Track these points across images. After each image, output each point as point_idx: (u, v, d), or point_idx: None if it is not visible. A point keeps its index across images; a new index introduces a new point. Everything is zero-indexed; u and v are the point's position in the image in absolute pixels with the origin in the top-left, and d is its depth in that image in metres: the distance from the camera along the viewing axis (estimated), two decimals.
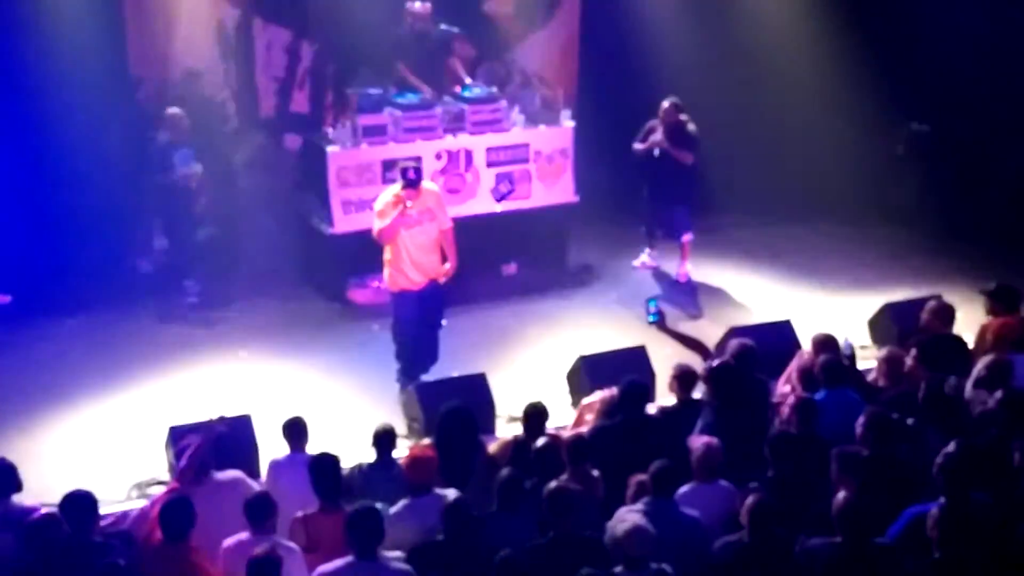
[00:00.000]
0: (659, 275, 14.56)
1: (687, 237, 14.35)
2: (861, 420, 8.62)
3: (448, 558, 7.49)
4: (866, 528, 7.43)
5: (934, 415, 8.94)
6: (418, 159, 12.35)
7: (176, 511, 7.85)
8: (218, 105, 14.59)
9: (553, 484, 7.97)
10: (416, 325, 11.58)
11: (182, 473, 8.59)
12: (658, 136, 13.92)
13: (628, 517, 7.60)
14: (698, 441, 8.65)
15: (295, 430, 9.15)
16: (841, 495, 7.54)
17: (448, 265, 11.54)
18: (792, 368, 10.33)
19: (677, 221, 14.30)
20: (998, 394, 9.00)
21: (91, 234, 13.66)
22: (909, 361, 9.99)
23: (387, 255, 11.38)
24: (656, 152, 13.92)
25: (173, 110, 13.37)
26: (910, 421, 8.97)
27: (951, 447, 7.97)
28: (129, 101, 13.98)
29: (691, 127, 13.94)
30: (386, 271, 11.48)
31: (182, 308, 13.35)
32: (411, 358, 11.66)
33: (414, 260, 11.32)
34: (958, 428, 8.72)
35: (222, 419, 9.11)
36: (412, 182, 11.11)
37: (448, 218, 11.61)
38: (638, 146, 14.10)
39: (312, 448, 9.08)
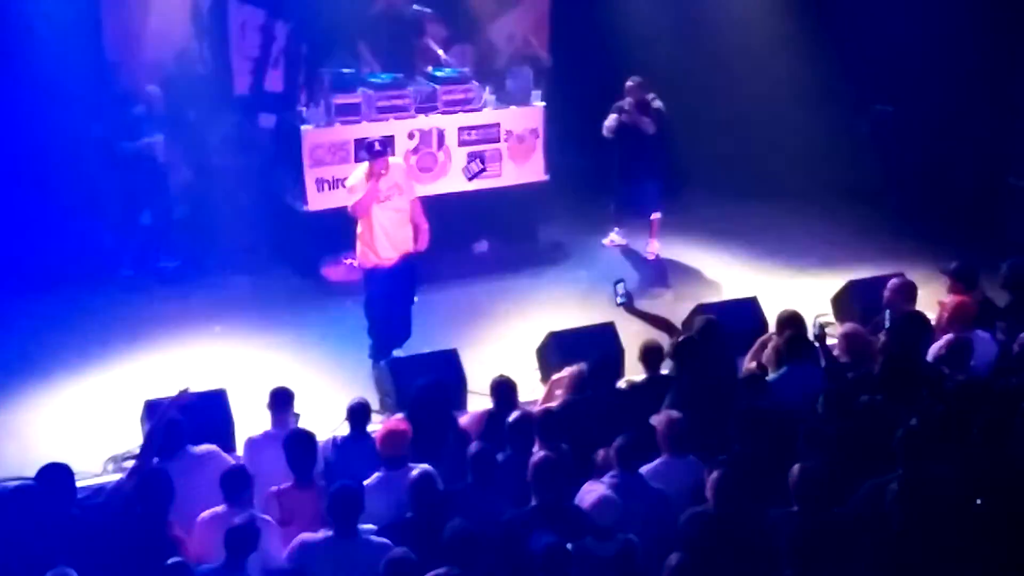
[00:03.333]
0: (628, 253, 14.73)
1: (656, 215, 14.53)
2: (820, 398, 8.75)
3: (420, 535, 7.56)
4: (822, 498, 7.57)
5: (892, 389, 9.10)
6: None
7: (154, 485, 7.88)
8: (194, 84, 14.66)
9: (541, 454, 8.11)
10: (388, 302, 11.70)
11: (139, 460, 8.65)
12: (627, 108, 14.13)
13: (594, 489, 7.76)
14: (660, 416, 8.78)
15: (280, 399, 9.20)
16: (797, 466, 7.67)
17: (421, 232, 11.68)
18: (758, 345, 10.50)
19: (647, 198, 14.47)
20: (959, 377, 9.19)
21: (68, 214, 13.74)
22: (882, 338, 10.14)
23: (360, 232, 11.53)
24: (624, 117, 14.08)
25: (152, 87, 13.54)
26: (878, 397, 9.12)
27: (912, 421, 8.18)
28: (104, 84, 14.02)
29: (657, 104, 14.14)
30: (358, 248, 11.61)
31: (161, 273, 13.59)
32: (383, 334, 11.77)
33: (387, 235, 11.46)
34: (916, 401, 8.92)
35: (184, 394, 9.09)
36: (377, 153, 11.29)
37: (414, 189, 11.80)
38: (608, 123, 14.26)
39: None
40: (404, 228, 11.60)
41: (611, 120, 14.24)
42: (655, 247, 14.63)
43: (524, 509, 7.87)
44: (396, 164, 11.79)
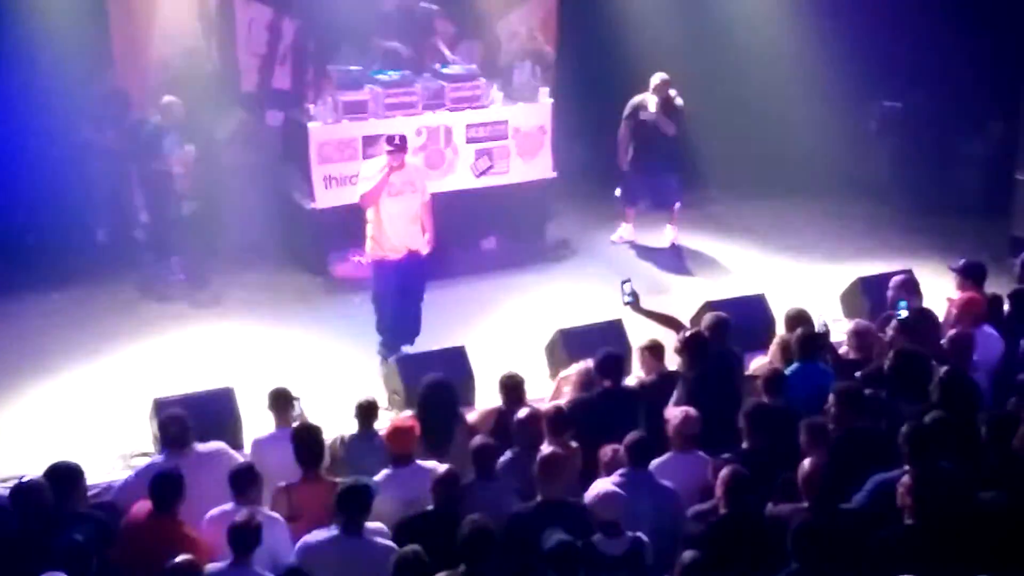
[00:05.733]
0: (636, 249, 14.71)
1: (678, 205, 14.58)
2: (831, 396, 8.74)
3: (436, 528, 7.57)
4: (831, 493, 7.59)
5: (901, 385, 9.10)
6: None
7: (166, 483, 7.90)
8: (200, 82, 14.68)
9: (547, 450, 8.14)
10: (396, 296, 11.70)
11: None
12: (654, 110, 14.14)
13: (603, 486, 7.78)
14: (676, 411, 8.80)
15: (279, 400, 9.23)
16: (807, 461, 7.69)
17: (427, 235, 11.71)
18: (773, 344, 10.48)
19: (669, 189, 14.53)
20: (942, 370, 9.18)
21: (74, 209, 13.79)
22: (891, 332, 10.14)
23: (369, 224, 11.55)
24: (643, 115, 14.16)
25: (169, 98, 13.49)
26: (883, 394, 9.13)
27: (916, 416, 8.18)
28: (108, 82, 14.07)
29: (678, 101, 14.19)
30: (368, 240, 11.64)
31: (167, 285, 13.46)
32: (391, 329, 11.79)
33: (394, 228, 11.48)
34: (924, 398, 8.92)
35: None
36: (398, 147, 11.33)
37: (428, 191, 11.80)
38: (621, 134, 14.37)
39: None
40: (413, 225, 11.62)
41: (622, 128, 14.32)
42: (673, 234, 14.66)
43: (528, 505, 7.90)
44: (412, 163, 11.88)
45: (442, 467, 8.25)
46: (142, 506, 7.99)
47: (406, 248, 11.58)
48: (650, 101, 14.26)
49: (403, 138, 11.58)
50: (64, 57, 13.15)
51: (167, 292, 13.32)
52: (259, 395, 9.56)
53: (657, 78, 14.22)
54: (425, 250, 11.71)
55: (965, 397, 8.91)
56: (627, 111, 14.43)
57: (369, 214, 11.52)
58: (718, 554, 7.31)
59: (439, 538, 7.32)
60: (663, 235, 14.77)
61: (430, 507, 7.91)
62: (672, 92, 14.24)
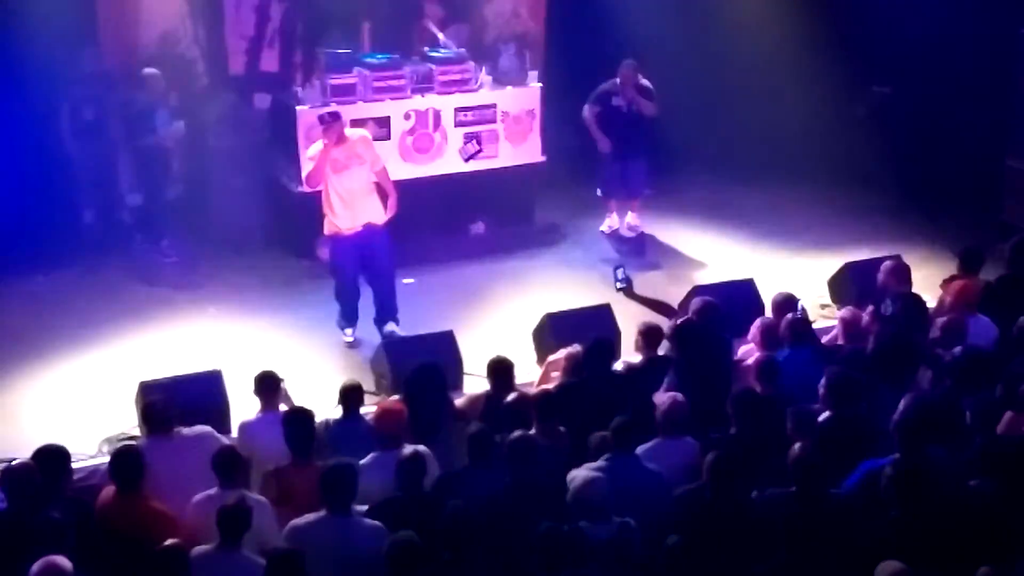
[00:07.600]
0: (625, 236, 14.68)
1: (645, 191, 14.52)
2: (823, 382, 8.73)
3: (406, 513, 7.57)
4: (820, 479, 7.56)
5: (883, 370, 9.09)
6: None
7: (124, 460, 7.92)
8: (189, 64, 14.62)
9: (517, 433, 8.12)
10: (352, 271, 11.74)
11: None
12: (629, 94, 14.06)
13: (582, 473, 7.75)
14: (664, 396, 8.79)
15: (266, 384, 9.22)
16: (797, 446, 7.68)
17: (390, 199, 11.69)
18: (755, 328, 10.48)
19: (637, 177, 14.43)
20: (956, 350, 9.17)
21: (60, 192, 13.73)
22: (866, 318, 10.12)
23: (323, 200, 11.58)
24: (624, 108, 14.06)
25: (150, 70, 13.46)
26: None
27: (906, 403, 8.17)
28: (93, 62, 13.98)
29: (645, 82, 14.09)
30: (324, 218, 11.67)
31: (159, 267, 13.45)
32: (347, 301, 11.84)
33: (345, 203, 11.50)
34: (908, 382, 8.91)
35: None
36: (328, 124, 11.35)
37: (380, 158, 11.81)
38: (586, 115, 14.21)
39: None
40: (367, 198, 11.62)
41: (588, 113, 14.19)
42: (635, 220, 14.59)
43: (499, 488, 7.88)
44: (357, 134, 11.87)
45: (421, 448, 8.24)
46: (109, 489, 8.01)
47: (361, 223, 11.57)
48: (620, 90, 14.14)
49: (333, 114, 11.56)
50: (49, 37, 13.06)
51: (156, 275, 13.28)
52: (246, 378, 9.53)
53: (625, 67, 14.01)
54: (385, 218, 11.65)
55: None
56: (596, 96, 14.24)
57: (322, 192, 11.53)
58: (703, 539, 7.30)
59: (410, 522, 7.28)
60: (624, 220, 14.63)
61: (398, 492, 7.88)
62: (640, 76, 14.13)
